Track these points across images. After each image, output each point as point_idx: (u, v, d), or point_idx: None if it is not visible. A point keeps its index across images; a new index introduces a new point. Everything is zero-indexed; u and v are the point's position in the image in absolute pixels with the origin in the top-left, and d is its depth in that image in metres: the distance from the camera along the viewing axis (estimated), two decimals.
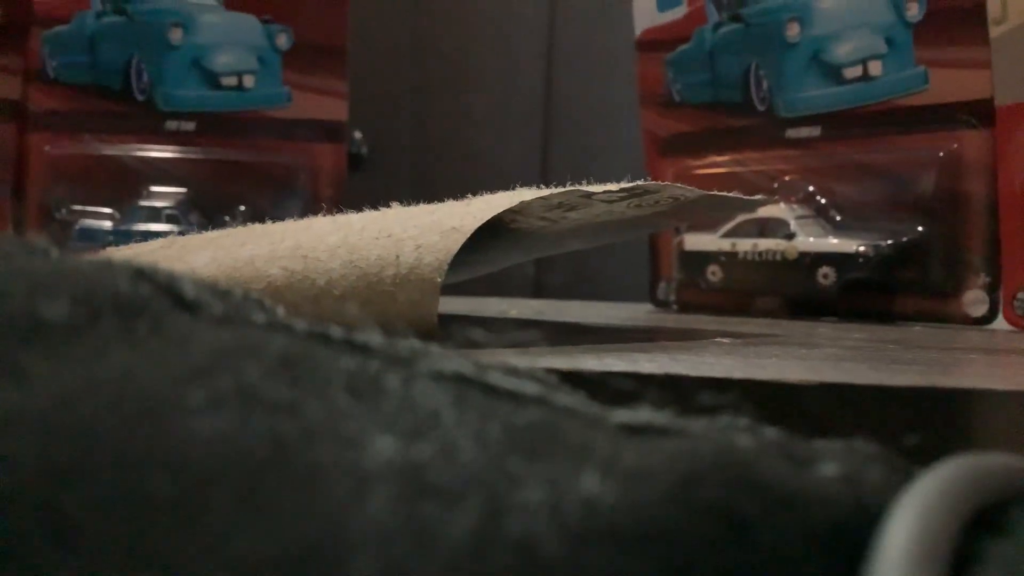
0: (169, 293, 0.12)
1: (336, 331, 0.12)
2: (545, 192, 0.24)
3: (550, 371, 0.12)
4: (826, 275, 0.41)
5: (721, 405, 0.11)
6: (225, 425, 0.10)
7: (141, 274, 0.12)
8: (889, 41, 0.41)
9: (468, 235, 0.21)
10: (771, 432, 0.11)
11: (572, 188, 0.25)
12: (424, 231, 0.21)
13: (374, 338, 0.12)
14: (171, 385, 0.11)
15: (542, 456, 0.10)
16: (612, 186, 0.26)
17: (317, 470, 0.10)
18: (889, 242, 0.40)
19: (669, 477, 0.10)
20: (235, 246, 0.23)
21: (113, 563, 0.09)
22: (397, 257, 0.21)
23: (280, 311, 0.12)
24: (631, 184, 0.26)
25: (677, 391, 0.12)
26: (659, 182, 0.27)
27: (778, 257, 0.42)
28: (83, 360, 0.11)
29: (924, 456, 0.11)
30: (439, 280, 0.20)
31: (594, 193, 0.26)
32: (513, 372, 0.11)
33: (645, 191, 0.27)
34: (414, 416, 0.10)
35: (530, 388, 0.11)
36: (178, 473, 0.10)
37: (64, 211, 0.46)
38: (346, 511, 0.09)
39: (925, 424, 0.18)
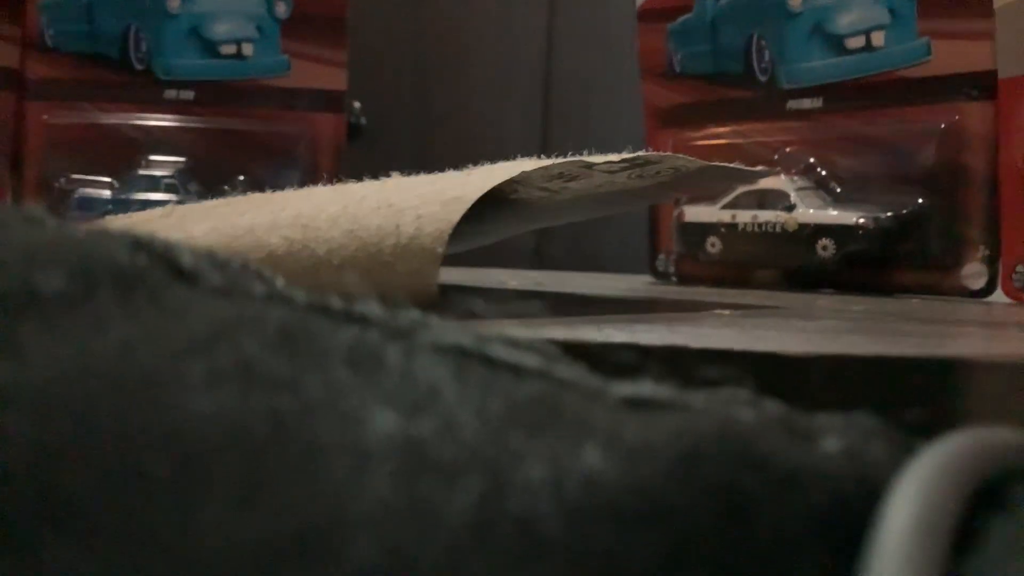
0: (167, 263, 0.12)
1: (336, 303, 0.12)
2: (546, 162, 0.24)
3: (550, 343, 0.12)
4: (825, 247, 0.41)
5: (722, 378, 0.11)
6: (224, 401, 0.10)
7: (138, 244, 0.12)
8: (892, 12, 0.41)
9: (469, 205, 0.21)
10: (773, 406, 0.10)
11: (573, 159, 0.25)
12: (425, 201, 0.21)
13: (374, 309, 0.12)
14: (169, 360, 0.10)
15: (543, 431, 0.10)
16: (613, 157, 0.25)
17: (317, 446, 0.10)
18: (889, 214, 0.40)
19: (670, 453, 0.10)
20: (235, 215, 0.23)
21: (111, 541, 0.09)
22: (397, 227, 0.21)
23: (279, 282, 0.12)
24: (632, 155, 0.26)
25: (677, 363, 0.12)
26: (660, 153, 0.27)
27: (778, 229, 0.42)
28: (80, 334, 0.11)
29: (926, 429, 0.10)
30: (440, 251, 0.20)
31: (595, 164, 0.26)
32: (514, 344, 0.11)
33: (646, 162, 0.26)
34: (414, 390, 0.10)
35: (531, 361, 0.11)
36: (177, 450, 0.10)
37: (62, 180, 0.46)
38: (346, 488, 0.09)
39: (927, 396, 0.18)
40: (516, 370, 0.11)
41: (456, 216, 0.21)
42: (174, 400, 0.10)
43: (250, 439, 0.10)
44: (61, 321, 0.11)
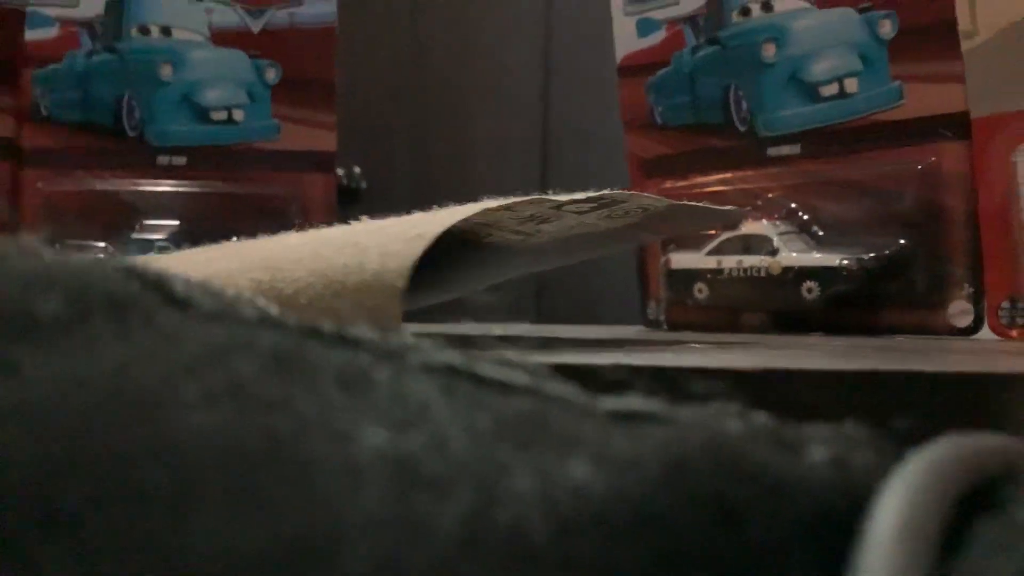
0: (159, 290, 0.12)
1: (327, 326, 0.12)
2: (509, 200, 0.24)
3: (537, 363, 0.12)
4: (810, 289, 0.41)
5: (710, 393, 0.11)
6: (217, 420, 0.10)
7: (132, 272, 0.13)
8: (864, 58, 0.42)
9: (431, 241, 0.21)
10: (760, 418, 0.11)
11: (539, 197, 0.25)
12: (389, 239, 0.22)
13: (364, 332, 0.12)
14: (163, 380, 0.11)
15: (532, 445, 0.10)
16: (579, 196, 0.26)
17: (309, 463, 0.10)
18: (872, 255, 0.41)
19: (658, 464, 0.10)
20: (207, 261, 0.23)
21: (107, 556, 0.09)
22: (361, 264, 0.21)
23: (271, 308, 0.12)
24: (598, 194, 0.26)
25: (661, 381, 0.12)
26: (627, 192, 0.27)
27: (763, 273, 0.42)
28: (75, 355, 0.11)
29: (912, 438, 0.11)
30: (401, 285, 0.21)
31: (562, 203, 0.26)
32: (503, 363, 0.11)
33: (613, 201, 0.27)
34: (404, 408, 0.10)
35: (519, 378, 0.11)
36: (171, 467, 0.10)
37: (58, 246, 0.47)
38: (338, 503, 0.09)
39: (910, 408, 0.18)
40: (504, 387, 0.11)
41: (418, 252, 0.21)
42: (168, 418, 0.10)
43: (243, 455, 0.10)
44: (57, 343, 0.11)
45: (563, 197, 0.26)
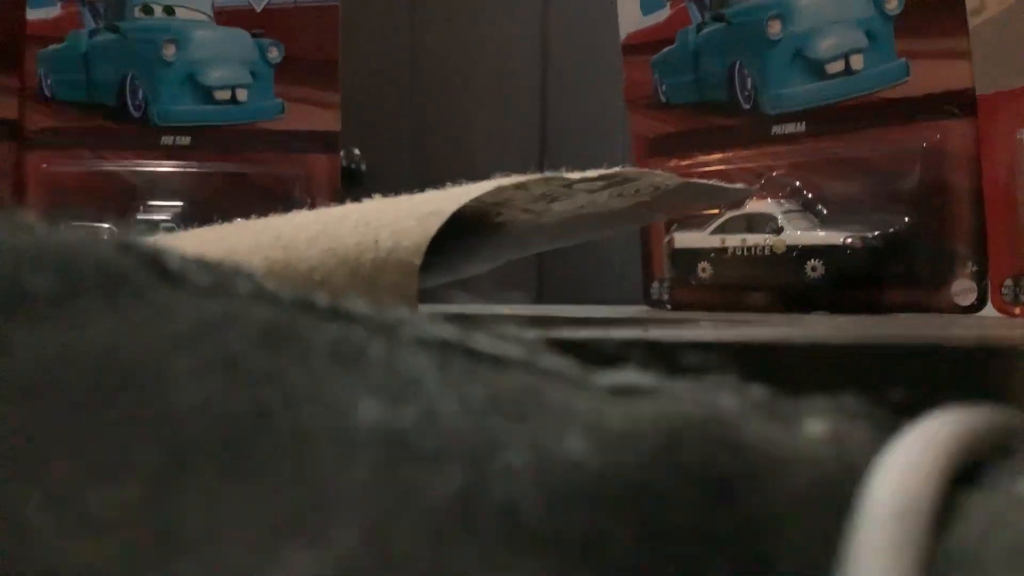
0: (153, 266, 0.12)
1: (321, 300, 0.12)
2: (523, 178, 0.24)
3: (533, 338, 0.12)
4: (814, 268, 0.41)
5: (706, 367, 0.11)
6: (209, 393, 0.10)
7: (125, 247, 0.12)
8: (869, 35, 0.41)
9: (446, 218, 0.21)
10: (756, 391, 0.10)
11: (552, 175, 0.25)
12: (402, 216, 0.22)
13: (359, 306, 0.12)
14: (154, 354, 0.11)
15: (526, 418, 0.10)
16: (592, 173, 0.26)
17: (301, 436, 0.10)
18: (876, 233, 0.41)
19: (653, 438, 0.10)
20: (217, 240, 0.23)
21: (99, 528, 0.09)
22: (375, 242, 0.21)
23: (267, 282, 0.12)
24: (611, 171, 0.26)
25: (660, 355, 0.12)
26: (639, 169, 0.27)
27: (767, 252, 0.42)
28: (66, 329, 0.11)
29: (910, 410, 0.10)
30: (417, 262, 0.21)
31: (574, 181, 0.26)
32: (497, 337, 0.11)
33: (625, 179, 0.27)
34: (397, 381, 0.10)
35: (514, 352, 0.11)
36: (161, 440, 0.10)
37: (58, 225, 0.47)
38: (330, 476, 0.09)
39: (908, 380, 0.18)
40: (499, 361, 0.11)
41: (432, 229, 0.21)
42: (159, 391, 0.10)
43: (234, 428, 0.10)
44: (48, 318, 0.11)
45: (575, 175, 0.26)
